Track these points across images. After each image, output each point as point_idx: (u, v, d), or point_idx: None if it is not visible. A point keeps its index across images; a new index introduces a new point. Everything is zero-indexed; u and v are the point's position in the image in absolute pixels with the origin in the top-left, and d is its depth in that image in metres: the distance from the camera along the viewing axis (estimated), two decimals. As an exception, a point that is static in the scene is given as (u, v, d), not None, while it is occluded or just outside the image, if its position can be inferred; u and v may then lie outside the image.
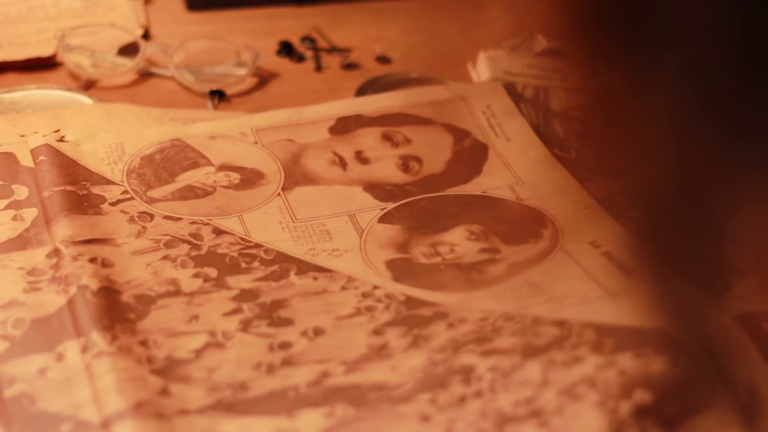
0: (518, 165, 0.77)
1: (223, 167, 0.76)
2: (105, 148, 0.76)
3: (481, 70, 0.86)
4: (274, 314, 0.66)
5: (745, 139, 0.39)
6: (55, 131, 0.76)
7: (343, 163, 0.77)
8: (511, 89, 0.83)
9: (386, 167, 0.77)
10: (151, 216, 0.72)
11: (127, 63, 0.85)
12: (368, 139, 0.79)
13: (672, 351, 0.58)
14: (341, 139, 0.79)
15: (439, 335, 0.64)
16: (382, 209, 0.73)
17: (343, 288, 0.68)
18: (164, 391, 0.61)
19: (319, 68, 0.88)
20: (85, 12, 0.90)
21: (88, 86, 0.84)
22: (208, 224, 0.71)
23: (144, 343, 0.63)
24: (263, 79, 0.87)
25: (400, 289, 0.67)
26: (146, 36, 0.89)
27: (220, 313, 0.66)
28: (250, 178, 0.75)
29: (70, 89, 0.83)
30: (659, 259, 0.46)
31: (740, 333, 0.62)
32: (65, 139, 0.76)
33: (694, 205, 0.42)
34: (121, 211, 0.72)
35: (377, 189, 0.75)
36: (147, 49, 0.85)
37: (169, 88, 0.85)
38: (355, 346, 0.64)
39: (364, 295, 0.67)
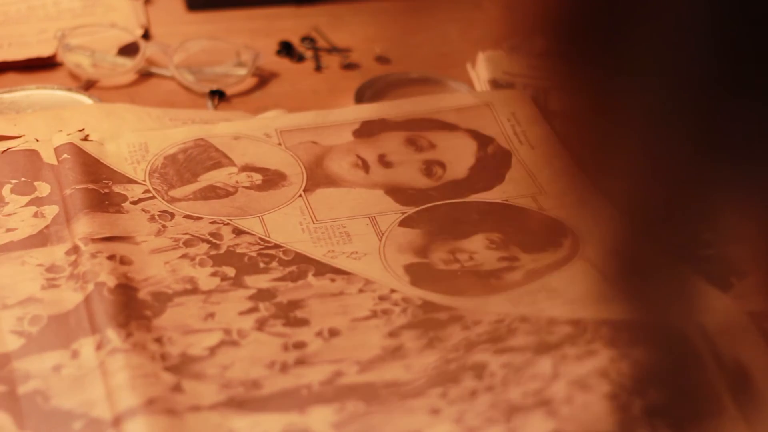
0: (541, 174, 0.76)
1: (246, 168, 0.75)
2: (129, 147, 0.75)
3: (481, 70, 0.85)
4: (290, 314, 0.65)
5: (732, 144, 0.38)
6: (80, 130, 0.76)
7: (365, 166, 0.76)
8: (510, 89, 0.82)
9: (409, 171, 0.76)
10: (172, 215, 0.71)
11: (127, 63, 0.84)
12: (392, 143, 0.78)
13: (675, 347, 0.57)
14: (365, 142, 0.78)
15: (454, 336, 0.63)
16: (403, 213, 0.72)
17: (360, 291, 0.67)
18: (177, 388, 0.60)
19: (318, 68, 0.87)
20: (85, 12, 0.89)
21: (88, 86, 0.83)
22: (228, 224, 0.71)
23: (159, 340, 0.63)
24: (263, 79, 0.86)
25: (418, 294, 0.66)
26: (146, 36, 0.88)
27: (236, 311, 0.65)
28: (272, 180, 0.75)
29: (70, 89, 0.82)
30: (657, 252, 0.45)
31: (741, 318, 0.60)
32: (90, 138, 0.75)
33: (687, 206, 0.41)
34: (142, 209, 0.71)
35: (399, 193, 0.74)
36: (147, 49, 0.84)
37: (169, 88, 0.84)
38: (370, 347, 0.63)
39: (381, 298, 0.66)
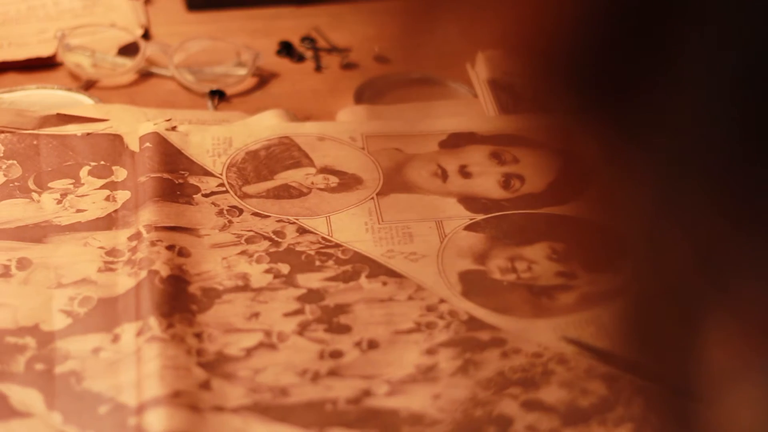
0: (618, 197, 0.68)
1: (324, 170, 0.69)
2: (213, 140, 0.70)
3: (480, 70, 0.77)
4: (333, 319, 0.59)
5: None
6: (167, 120, 0.71)
7: (444, 175, 0.69)
8: (510, 90, 0.74)
9: (487, 183, 0.69)
10: (240, 211, 0.66)
11: (127, 63, 0.79)
12: (476, 155, 0.71)
13: None
14: (449, 152, 0.71)
15: (490, 364, 0.56)
16: (471, 219, 0.65)
17: (410, 298, 0.60)
18: (205, 385, 0.55)
19: (318, 68, 0.80)
20: (85, 12, 0.84)
21: (88, 86, 0.78)
22: (294, 223, 0.65)
23: (199, 336, 0.58)
24: (263, 79, 0.79)
25: (466, 307, 0.59)
26: (146, 36, 0.82)
27: (282, 312, 0.59)
28: (347, 183, 0.68)
29: (70, 89, 0.77)
30: None
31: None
32: (177, 128, 0.71)
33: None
34: (212, 203, 0.66)
35: (472, 202, 0.67)
36: (147, 49, 0.79)
37: (169, 88, 0.78)
38: (405, 364, 0.56)
39: (429, 309, 0.59)
